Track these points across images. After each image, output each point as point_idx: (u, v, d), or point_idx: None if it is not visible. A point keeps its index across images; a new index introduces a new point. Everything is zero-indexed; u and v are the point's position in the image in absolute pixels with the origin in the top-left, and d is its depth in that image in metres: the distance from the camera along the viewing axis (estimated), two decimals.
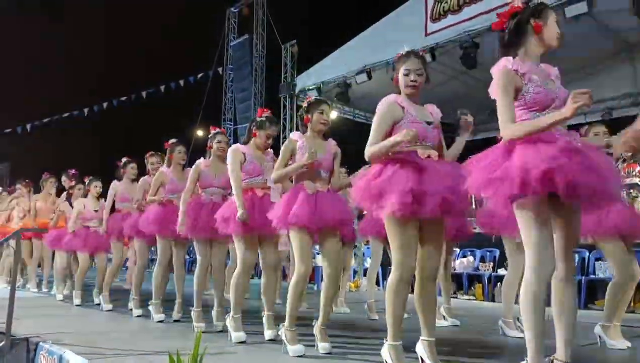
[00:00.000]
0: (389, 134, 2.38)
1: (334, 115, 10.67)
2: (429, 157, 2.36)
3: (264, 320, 3.32)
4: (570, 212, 2.02)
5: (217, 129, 3.88)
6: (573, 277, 2.06)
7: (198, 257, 3.77)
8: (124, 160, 5.06)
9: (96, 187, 5.39)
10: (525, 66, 2.07)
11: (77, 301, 5.20)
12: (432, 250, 2.35)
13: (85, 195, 5.44)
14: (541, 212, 1.94)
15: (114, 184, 5.03)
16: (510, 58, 2.10)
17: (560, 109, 1.95)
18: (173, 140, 4.33)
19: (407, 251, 2.30)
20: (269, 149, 3.48)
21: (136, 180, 4.92)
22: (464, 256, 7.21)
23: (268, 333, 3.25)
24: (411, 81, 2.44)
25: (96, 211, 5.31)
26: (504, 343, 3.47)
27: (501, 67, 2.07)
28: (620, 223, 3.10)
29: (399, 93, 2.49)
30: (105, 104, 13.09)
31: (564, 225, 2.03)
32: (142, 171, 4.94)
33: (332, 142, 3.10)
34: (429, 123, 2.43)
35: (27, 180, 6.98)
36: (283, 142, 3.14)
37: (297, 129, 3.27)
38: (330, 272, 2.88)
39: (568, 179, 1.81)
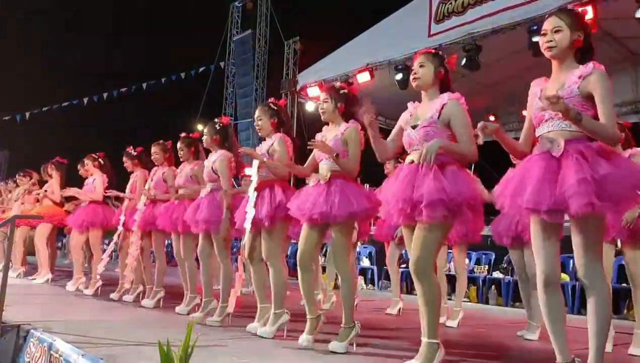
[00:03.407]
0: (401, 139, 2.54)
1: None
2: (412, 162, 2.38)
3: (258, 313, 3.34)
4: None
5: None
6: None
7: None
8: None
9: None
10: (539, 84, 2.16)
11: (71, 287, 5.22)
12: (413, 250, 2.34)
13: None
14: (542, 221, 2.00)
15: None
16: (538, 80, 2.20)
17: (552, 120, 2.04)
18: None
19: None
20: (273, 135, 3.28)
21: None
22: None
23: (249, 325, 3.24)
24: (413, 75, 2.51)
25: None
26: (494, 345, 3.47)
27: None
28: None
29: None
30: (105, 94, 13.05)
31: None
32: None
33: (342, 127, 2.87)
34: (414, 126, 2.43)
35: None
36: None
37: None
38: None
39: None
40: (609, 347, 3.13)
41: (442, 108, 2.39)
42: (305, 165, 3.07)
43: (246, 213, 3.11)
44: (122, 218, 4.65)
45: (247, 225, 3.11)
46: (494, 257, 6.87)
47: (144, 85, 13.11)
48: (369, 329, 3.78)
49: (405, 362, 2.33)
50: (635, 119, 8.86)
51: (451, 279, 5.27)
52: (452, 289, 5.17)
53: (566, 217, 1.99)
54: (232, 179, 3.67)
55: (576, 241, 1.97)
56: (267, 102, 3.42)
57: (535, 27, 6.83)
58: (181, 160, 4.11)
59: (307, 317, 2.89)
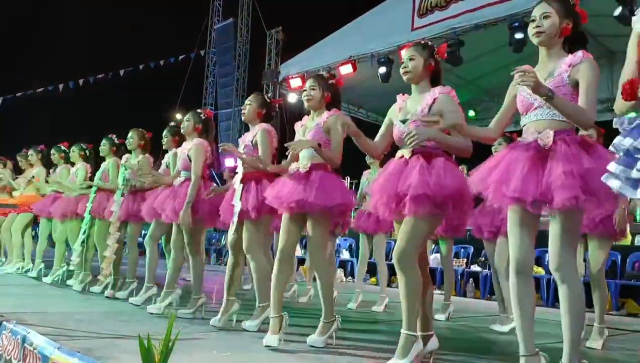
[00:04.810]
0: (391, 133, 2.50)
1: None
2: (402, 157, 2.36)
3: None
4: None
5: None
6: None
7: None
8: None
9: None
10: (524, 70, 2.10)
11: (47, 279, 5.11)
12: (398, 240, 2.31)
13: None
14: (520, 210, 2.00)
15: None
16: (523, 66, 2.16)
17: (542, 108, 2.04)
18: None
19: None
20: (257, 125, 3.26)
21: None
22: (438, 252, 7.29)
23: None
24: (403, 68, 2.45)
25: None
26: (475, 338, 3.52)
27: None
28: None
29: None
30: (81, 81, 12.74)
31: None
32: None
33: (324, 116, 2.83)
34: (404, 121, 2.40)
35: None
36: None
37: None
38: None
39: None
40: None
41: (433, 102, 2.34)
42: (287, 160, 2.95)
43: (233, 206, 3.05)
44: (89, 205, 4.55)
45: (235, 219, 3.05)
46: (472, 250, 6.98)
47: (122, 72, 12.83)
48: (345, 322, 3.81)
49: (387, 361, 2.26)
50: (610, 116, 8.94)
51: (433, 272, 5.32)
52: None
53: (543, 212, 2.00)
54: (206, 169, 3.56)
55: (554, 233, 1.95)
56: (263, 93, 3.40)
57: (516, 24, 6.91)
58: (164, 148, 4.00)
59: (270, 316, 2.76)
